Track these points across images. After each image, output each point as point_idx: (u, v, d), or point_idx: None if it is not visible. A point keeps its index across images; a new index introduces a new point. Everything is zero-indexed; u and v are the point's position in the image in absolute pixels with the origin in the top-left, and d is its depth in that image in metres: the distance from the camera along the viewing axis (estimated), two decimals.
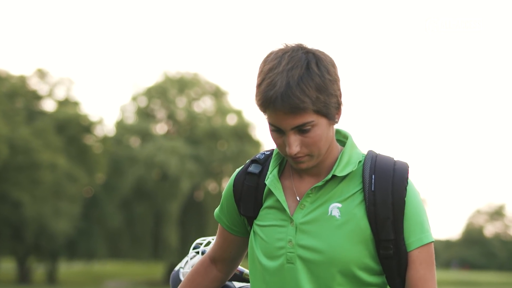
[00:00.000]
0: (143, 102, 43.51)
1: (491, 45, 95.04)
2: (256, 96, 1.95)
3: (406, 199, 1.99)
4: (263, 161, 2.13)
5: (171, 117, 43.57)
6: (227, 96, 44.65)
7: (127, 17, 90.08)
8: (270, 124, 1.96)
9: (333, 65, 1.97)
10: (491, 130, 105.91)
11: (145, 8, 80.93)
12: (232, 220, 2.19)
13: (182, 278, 2.38)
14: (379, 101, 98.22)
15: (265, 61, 1.97)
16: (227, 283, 2.33)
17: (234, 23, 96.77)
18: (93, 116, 38.72)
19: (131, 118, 43.38)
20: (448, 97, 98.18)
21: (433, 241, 2.02)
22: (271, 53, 1.97)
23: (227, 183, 2.19)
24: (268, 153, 2.15)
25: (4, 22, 76.39)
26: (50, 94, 38.50)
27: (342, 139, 2.10)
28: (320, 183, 2.01)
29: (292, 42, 1.99)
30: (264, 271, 2.04)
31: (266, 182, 2.07)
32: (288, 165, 2.10)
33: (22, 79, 37.55)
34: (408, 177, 2.01)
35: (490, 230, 77.52)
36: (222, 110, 43.16)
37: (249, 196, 2.11)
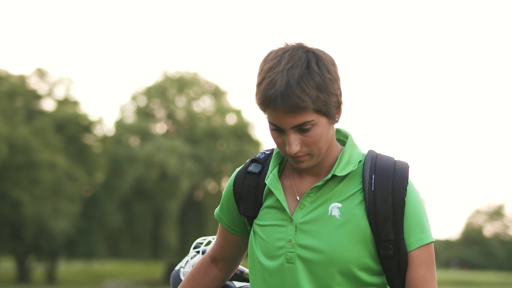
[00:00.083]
0: (142, 101, 43.52)
1: (491, 45, 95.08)
2: (256, 95, 1.95)
3: (406, 199, 1.98)
4: (263, 161, 2.13)
5: (170, 116, 43.58)
6: (227, 95, 44.68)
7: (127, 16, 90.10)
8: (270, 123, 1.96)
9: (334, 64, 1.96)
10: (490, 130, 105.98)
11: (144, 7, 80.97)
12: (232, 220, 2.18)
13: (182, 277, 2.38)
14: (379, 101, 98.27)
15: (265, 60, 1.96)
16: (228, 282, 2.33)
17: (233, 22, 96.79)
18: (92, 116, 38.79)
19: (130, 118, 43.39)
20: (448, 97, 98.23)
21: (433, 241, 2.01)
22: (271, 52, 1.97)
23: (227, 183, 2.19)
24: (268, 152, 2.14)
25: (4, 21, 76.41)
26: (49, 94, 38.51)
27: (342, 138, 2.10)
28: (320, 183, 2.01)
29: (292, 41, 1.99)
30: (264, 270, 2.04)
31: (266, 182, 2.07)
32: (288, 165, 2.10)
33: (22, 79, 37.55)
34: (408, 177, 2.01)
35: (489, 230, 77.54)
36: (222, 110, 43.16)
37: (249, 196, 2.11)
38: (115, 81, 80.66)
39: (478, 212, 78.18)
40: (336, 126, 2.05)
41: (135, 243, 42.22)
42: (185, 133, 43.06)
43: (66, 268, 48.26)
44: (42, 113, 37.96)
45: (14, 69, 77.91)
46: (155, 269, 48.00)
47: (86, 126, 38.27)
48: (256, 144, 42.49)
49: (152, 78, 50.59)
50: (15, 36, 75.64)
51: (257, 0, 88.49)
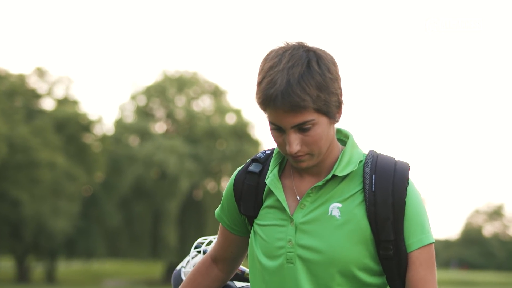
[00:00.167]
0: (142, 101, 43.51)
1: (491, 45, 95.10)
2: (257, 94, 1.94)
3: (406, 199, 1.98)
4: (264, 160, 2.12)
5: (170, 116, 43.57)
6: (226, 95, 44.66)
7: (126, 16, 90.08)
8: (271, 122, 1.95)
9: (334, 64, 1.96)
10: (490, 130, 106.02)
11: (144, 7, 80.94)
12: (232, 220, 2.18)
13: (183, 277, 2.38)
14: (379, 101, 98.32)
15: (266, 59, 1.96)
16: (229, 282, 2.33)
17: (233, 22, 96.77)
18: (92, 115, 38.76)
19: (130, 117, 43.39)
20: (448, 97, 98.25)
21: (433, 242, 2.01)
22: (271, 51, 1.96)
23: (226, 183, 2.19)
24: (269, 152, 2.14)
25: (4, 21, 76.41)
26: (49, 93, 38.48)
27: (343, 138, 2.09)
28: (320, 183, 2.00)
29: (293, 40, 1.98)
30: (264, 270, 2.04)
31: (266, 182, 2.06)
32: (289, 164, 2.09)
33: (21, 78, 37.53)
34: (408, 178, 2.00)
35: (489, 230, 77.58)
36: (221, 109, 43.15)
37: (250, 195, 2.10)
38: (114, 81, 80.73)
39: (477, 212, 78.22)
40: (336, 125, 2.04)
41: (134, 243, 42.20)
42: (185, 132, 43.04)
43: (66, 267, 48.26)
44: (42, 112, 37.94)
45: (14, 68, 77.80)
46: (155, 269, 47.99)
47: (85, 125, 38.25)
48: (255, 143, 42.48)
49: (152, 78, 50.74)
50: (15, 36, 75.68)
51: (257, 0, 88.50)
